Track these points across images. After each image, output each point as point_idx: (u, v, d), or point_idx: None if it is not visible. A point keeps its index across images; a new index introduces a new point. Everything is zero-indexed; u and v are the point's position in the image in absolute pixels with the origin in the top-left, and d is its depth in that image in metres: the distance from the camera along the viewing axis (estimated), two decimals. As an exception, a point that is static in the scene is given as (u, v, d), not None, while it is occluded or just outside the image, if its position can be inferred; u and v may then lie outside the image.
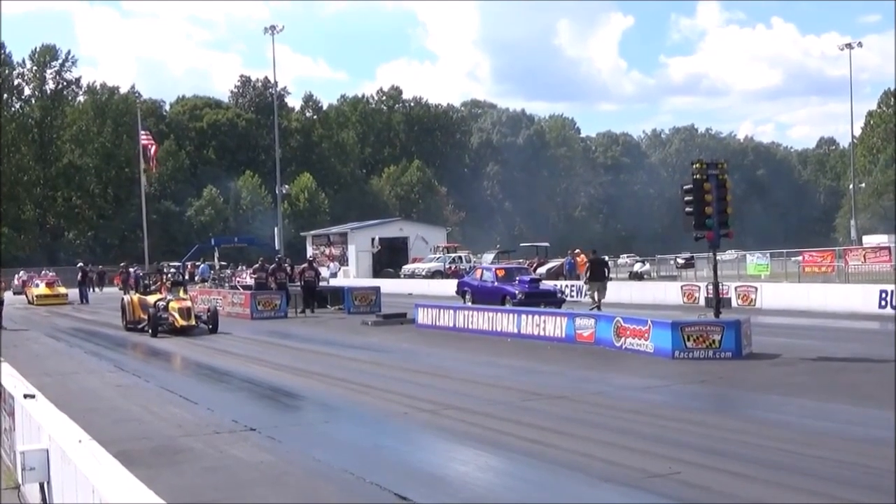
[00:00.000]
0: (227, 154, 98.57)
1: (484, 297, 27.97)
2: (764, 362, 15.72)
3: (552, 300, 27.10)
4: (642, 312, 20.69)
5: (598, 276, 26.61)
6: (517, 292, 27.15)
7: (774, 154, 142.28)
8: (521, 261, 47.14)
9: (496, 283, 28.68)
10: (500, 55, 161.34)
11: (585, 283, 28.64)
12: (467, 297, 29.56)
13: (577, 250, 41.83)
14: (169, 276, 33.15)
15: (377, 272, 57.80)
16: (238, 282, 36.68)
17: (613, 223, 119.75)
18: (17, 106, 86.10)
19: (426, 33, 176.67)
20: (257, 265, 34.26)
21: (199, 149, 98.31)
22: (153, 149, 63.25)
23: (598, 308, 25.01)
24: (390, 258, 59.52)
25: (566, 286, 33.77)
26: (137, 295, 26.39)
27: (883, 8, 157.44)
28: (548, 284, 31.28)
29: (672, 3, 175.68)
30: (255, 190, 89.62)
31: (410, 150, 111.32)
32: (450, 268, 51.55)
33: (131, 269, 45.30)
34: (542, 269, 41.64)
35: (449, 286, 40.97)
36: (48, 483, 6.41)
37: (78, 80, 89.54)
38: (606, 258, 31.54)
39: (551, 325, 19.67)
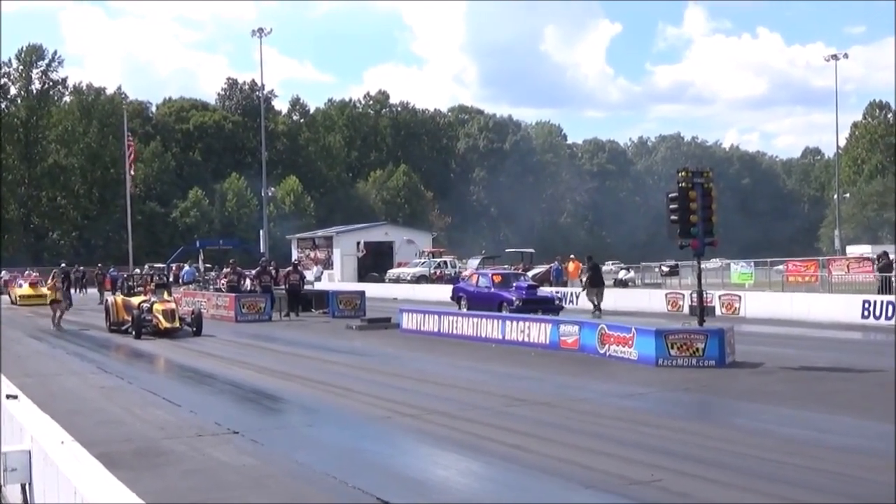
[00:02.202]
0: (214, 156, 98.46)
1: (480, 303, 27.44)
2: (747, 371, 15.82)
3: (550, 307, 26.34)
4: (626, 320, 20.73)
5: (598, 281, 26.75)
6: (514, 299, 26.46)
7: (759, 163, 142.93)
8: (506, 266, 47.16)
9: (493, 289, 28.05)
10: (486, 60, 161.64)
11: (584, 289, 28.73)
12: (463, 302, 29.12)
13: (571, 256, 41.81)
14: (154, 277, 32.97)
15: (362, 276, 57.74)
16: (222, 284, 36.55)
17: (598, 230, 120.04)
18: (3, 105, 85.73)
19: (413, 37, 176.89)
20: (228, 269, 34.04)
21: (185, 150, 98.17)
22: (131, 154, 63.68)
23: (600, 312, 25.14)
24: (375, 262, 59.51)
25: (553, 293, 33.77)
26: (121, 296, 26.26)
27: (868, 20, 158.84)
28: (545, 291, 30.98)
29: (659, 12, 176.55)
30: (241, 192, 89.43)
31: (397, 155, 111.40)
32: (435, 272, 51.68)
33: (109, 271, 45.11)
34: (527, 275, 41.63)
35: (434, 291, 41.05)
36: (30, 484, 6.40)
37: (64, 80, 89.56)
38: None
39: (535, 331, 19.67)
